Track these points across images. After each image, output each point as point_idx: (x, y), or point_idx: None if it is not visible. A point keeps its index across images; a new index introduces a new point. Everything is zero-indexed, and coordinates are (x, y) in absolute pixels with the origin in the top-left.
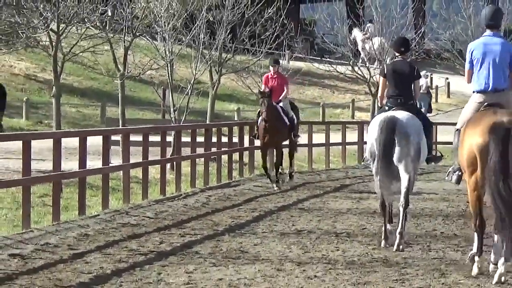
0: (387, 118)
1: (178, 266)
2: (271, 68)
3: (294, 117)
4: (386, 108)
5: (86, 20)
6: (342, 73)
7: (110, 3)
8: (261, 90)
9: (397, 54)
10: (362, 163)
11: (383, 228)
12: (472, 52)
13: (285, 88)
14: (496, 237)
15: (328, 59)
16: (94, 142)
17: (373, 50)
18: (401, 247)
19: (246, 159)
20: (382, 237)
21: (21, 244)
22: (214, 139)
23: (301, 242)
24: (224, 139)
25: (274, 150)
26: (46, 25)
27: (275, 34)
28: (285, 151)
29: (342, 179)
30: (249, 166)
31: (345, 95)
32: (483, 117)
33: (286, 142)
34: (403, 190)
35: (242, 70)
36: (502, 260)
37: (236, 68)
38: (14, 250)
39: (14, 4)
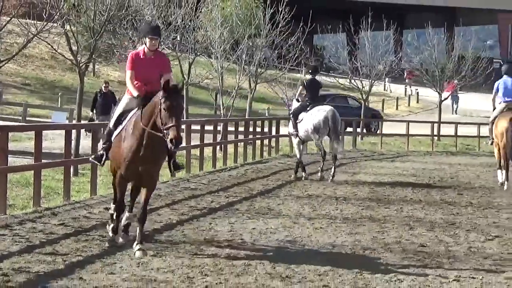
0: None
1: (224, 219)
2: (147, 41)
3: None
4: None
5: (162, 43)
6: (342, 84)
7: (179, 31)
8: (136, 94)
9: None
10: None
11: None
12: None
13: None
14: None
15: (332, 74)
16: None
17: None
18: None
19: (273, 143)
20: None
21: None
22: (251, 129)
23: (311, 203)
24: (258, 129)
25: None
26: (134, 46)
27: (295, 55)
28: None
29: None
30: (275, 149)
31: None
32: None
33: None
34: None
35: (272, 81)
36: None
37: (268, 79)
38: None
39: (111, 31)
